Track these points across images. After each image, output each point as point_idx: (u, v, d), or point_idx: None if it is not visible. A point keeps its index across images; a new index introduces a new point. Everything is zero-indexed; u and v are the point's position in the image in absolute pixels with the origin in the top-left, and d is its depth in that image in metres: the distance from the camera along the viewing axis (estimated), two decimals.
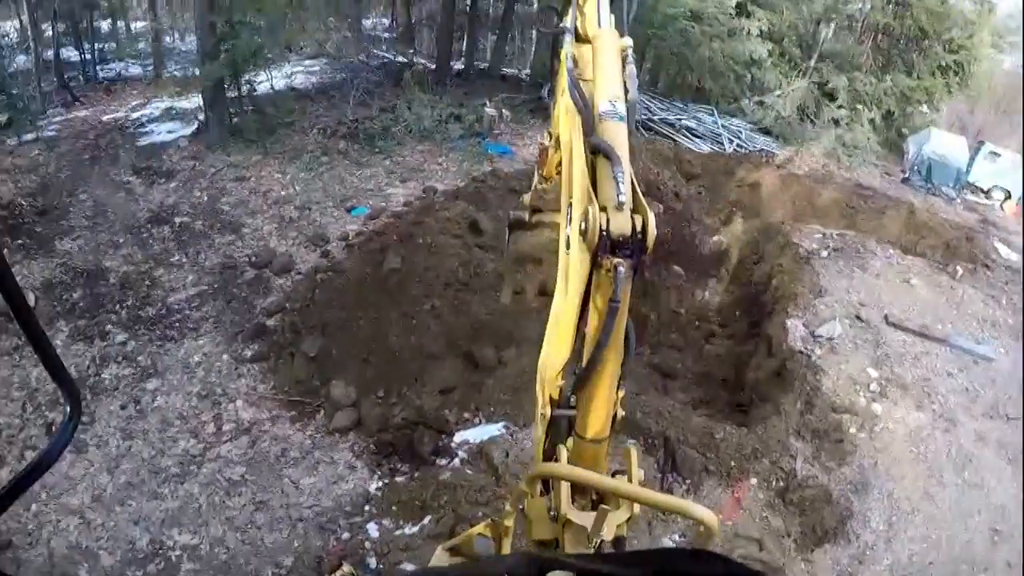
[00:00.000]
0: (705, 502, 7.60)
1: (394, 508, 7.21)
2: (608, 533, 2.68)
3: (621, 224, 2.22)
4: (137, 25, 24.23)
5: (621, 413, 2.99)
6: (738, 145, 19.45)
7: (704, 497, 7.69)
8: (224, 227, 11.47)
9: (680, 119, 19.89)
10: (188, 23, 20.63)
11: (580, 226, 2.28)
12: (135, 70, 20.61)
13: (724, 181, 15.79)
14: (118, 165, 13.16)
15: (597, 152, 2.48)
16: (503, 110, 17.75)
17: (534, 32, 24.63)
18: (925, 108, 24.12)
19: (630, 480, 2.90)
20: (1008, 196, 23.06)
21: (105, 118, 15.78)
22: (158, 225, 11.36)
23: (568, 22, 3.31)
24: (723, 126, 20.24)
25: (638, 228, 2.24)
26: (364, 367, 8.59)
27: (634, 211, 2.29)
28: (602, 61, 2.84)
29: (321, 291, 9.83)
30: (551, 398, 2.76)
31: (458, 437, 8.02)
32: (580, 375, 2.57)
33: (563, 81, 2.98)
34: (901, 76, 22.84)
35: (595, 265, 2.32)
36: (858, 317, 10.72)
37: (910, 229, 14.82)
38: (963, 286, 13.12)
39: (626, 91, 2.70)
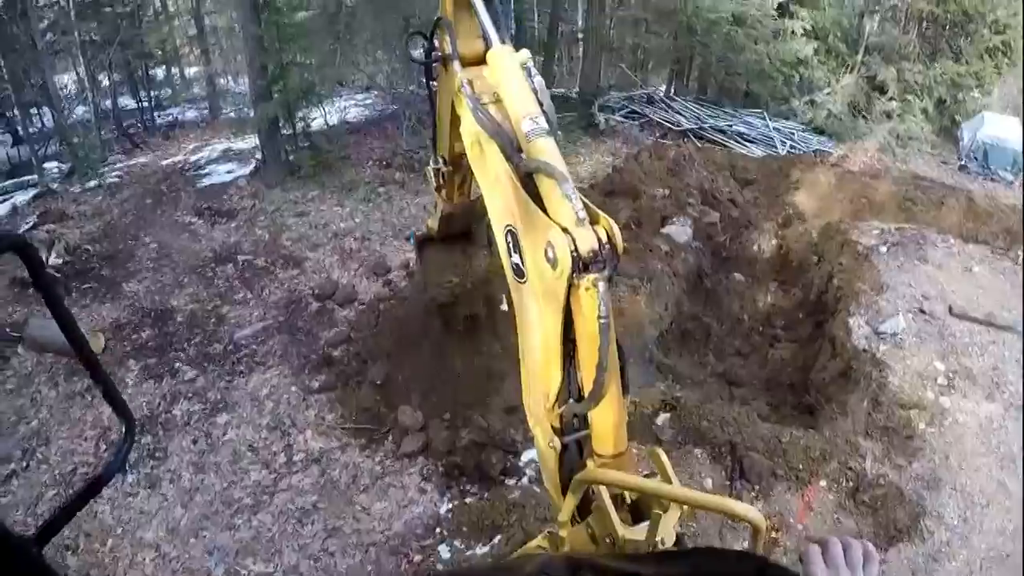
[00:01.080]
0: (775, 507, 7.48)
1: (464, 529, 7.20)
2: (668, 538, 2.63)
3: (588, 240, 2.20)
4: (191, 71, 24.84)
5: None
6: (791, 146, 19.06)
7: (774, 502, 7.53)
8: (286, 262, 11.65)
9: (731, 125, 19.58)
10: (240, 66, 20.98)
11: (547, 254, 2.22)
12: (191, 114, 21.09)
13: (780, 184, 15.49)
14: (180, 207, 13.50)
15: (534, 173, 2.43)
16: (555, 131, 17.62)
17: (580, 48, 24.65)
18: (977, 93, 23.17)
19: (668, 483, 2.87)
20: None
21: (165, 163, 16.24)
22: (222, 264, 11.60)
23: (448, 47, 3.16)
24: (775, 128, 19.86)
25: (603, 239, 2.24)
26: (430, 391, 8.56)
27: (592, 222, 2.29)
28: (507, 80, 2.72)
29: (384, 319, 9.92)
30: (554, 428, 2.71)
31: (525, 456, 7.94)
32: (591, 398, 2.43)
33: (463, 112, 2.87)
34: (949, 62, 22.08)
35: (571, 287, 2.26)
36: (921, 310, 10.39)
37: (969, 217, 14.31)
38: None
39: (541, 103, 2.61)
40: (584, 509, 2.81)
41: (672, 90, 22.73)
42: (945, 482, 8.06)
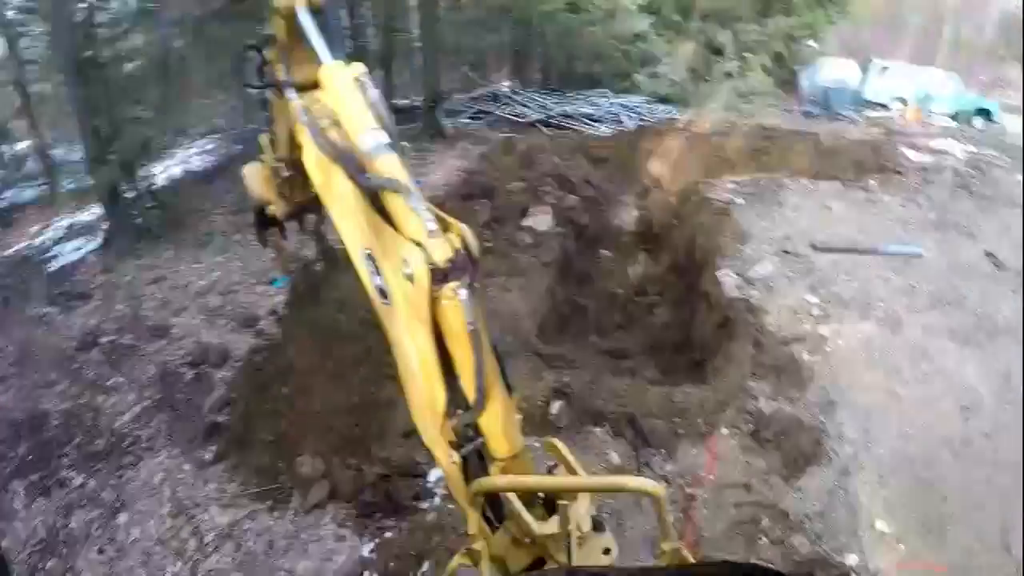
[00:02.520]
0: (684, 465, 8.12)
1: (391, 564, 7.31)
2: (584, 524, 2.93)
3: (443, 250, 2.30)
4: (20, 147, 23.49)
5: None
6: (639, 120, 20.26)
7: (682, 461, 8.15)
8: (152, 334, 11.42)
9: (578, 109, 20.65)
10: (72, 132, 20.27)
11: (404, 271, 2.34)
12: (29, 193, 20.22)
13: (632, 157, 16.43)
14: (31, 299, 12.99)
15: (379, 191, 2.50)
16: (402, 143, 17.99)
17: (419, 57, 25.13)
18: (811, 42, 25.30)
19: (570, 470, 3.21)
20: (905, 104, 24.49)
21: (7, 253, 15.63)
22: (86, 351, 11.23)
23: (282, 74, 3.24)
24: (621, 105, 21.08)
25: (459, 246, 2.36)
26: (324, 435, 8.60)
27: (445, 231, 2.41)
28: (343, 97, 2.72)
29: (264, 372, 9.89)
30: (451, 443, 2.78)
31: (432, 476, 8.11)
32: (476, 406, 2.62)
33: (304, 141, 2.88)
34: (781, 17, 23.94)
35: (434, 300, 2.38)
36: (786, 251, 11.42)
37: (819, 157, 15.73)
38: (879, 196, 14.07)
39: (380, 117, 2.66)
40: (501, 514, 3.05)
41: (516, 84, 23.58)
42: (838, 403, 8.94)
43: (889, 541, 7.85)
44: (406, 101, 23.00)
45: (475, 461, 2.88)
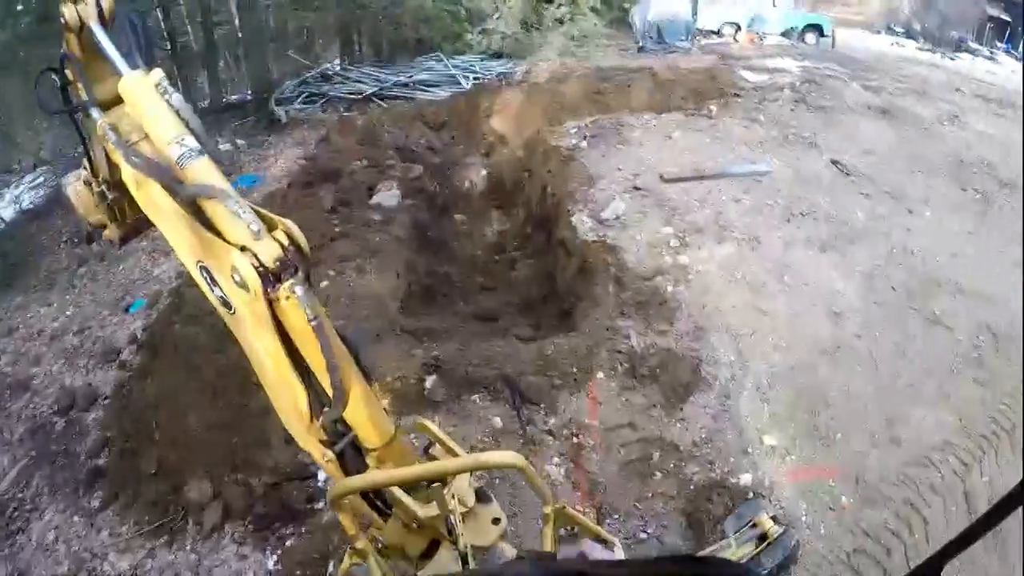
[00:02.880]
0: (564, 416, 8.05)
1: (299, 572, 7.18)
2: (468, 498, 3.05)
3: (270, 251, 2.28)
4: None
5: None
6: (475, 79, 20.10)
7: (564, 412, 8.09)
8: (14, 389, 10.81)
9: (412, 77, 20.33)
10: None
11: (234, 279, 2.31)
12: None
13: (473, 117, 16.34)
14: None
15: (197, 200, 2.43)
16: (237, 140, 17.57)
17: (240, 51, 24.30)
18: None
19: (444, 448, 3.32)
20: (738, 28, 25.24)
21: None
22: None
23: (84, 94, 3.03)
24: (455, 67, 20.85)
25: (286, 243, 2.33)
26: (206, 456, 8.40)
27: (271, 229, 2.36)
28: (145, 108, 2.65)
29: (134, 404, 9.52)
30: (323, 441, 2.84)
31: (322, 475, 7.92)
32: (336, 400, 2.60)
33: (117, 159, 2.76)
34: None
35: (272, 302, 2.38)
36: (635, 187, 11.47)
37: (658, 91, 15.97)
38: (721, 120, 14.34)
39: (186, 122, 2.58)
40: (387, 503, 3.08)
41: (347, 61, 23.07)
42: (708, 328, 9.05)
43: (779, 454, 8.01)
44: (236, 96, 22.36)
45: (351, 454, 2.91)
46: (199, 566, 7.68)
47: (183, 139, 2.49)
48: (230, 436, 8.49)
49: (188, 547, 7.88)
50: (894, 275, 10.49)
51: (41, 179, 19.02)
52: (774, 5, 26.51)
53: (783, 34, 25.82)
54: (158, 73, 2.68)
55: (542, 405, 8.21)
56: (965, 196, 13.10)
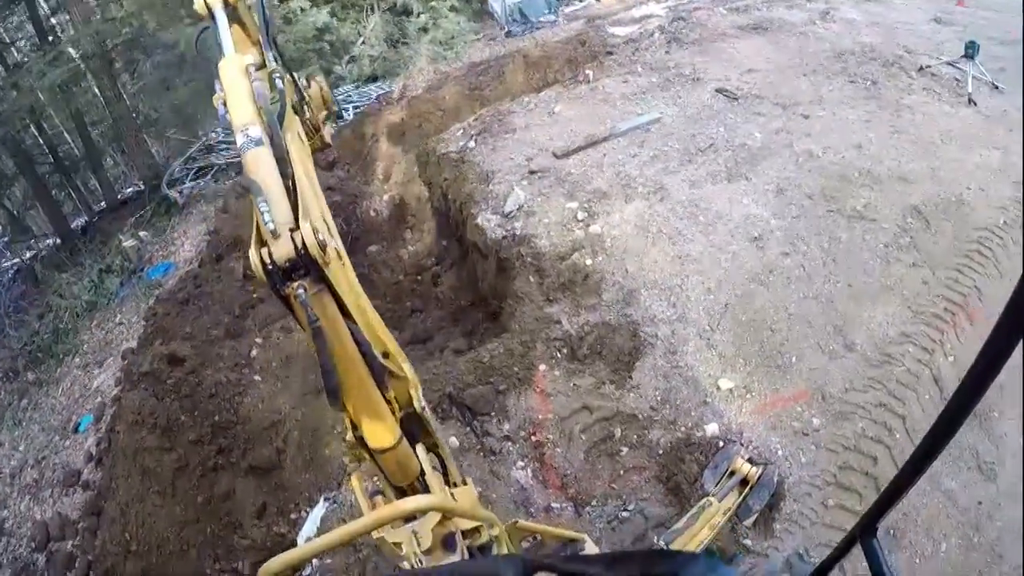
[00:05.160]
0: (517, 418, 7.96)
1: None
2: (426, 541, 2.89)
3: (280, 250, 2.28)
4: None
5: (420, 406, 3.43)
6: (355, 108, 19.87)
7: (514, 415, 8.01)
8: None
9: None
10: None
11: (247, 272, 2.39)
12: None
13: (362, 147, 16.10)
14: None
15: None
16: (141, 232, 17.15)
17: (121, 145, 23.89)
18: None
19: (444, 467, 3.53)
20: None
21: None
22: None
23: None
24: (335, 101, 20.59)
25: (299, 245, 2.28)
26: (186, 552, 8.45)
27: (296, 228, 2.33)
28: (229, 90, 2.71)
29: (106, 520, 9.40)
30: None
31: (300, 539, 7.92)
32: (330, 399, 2.67)
33: None
34: None
35: (285, 299, 2.42)
36: (531, 172, 11.32)
37: (531, 70, 15.87)
38: (599, 82, 14.24)
39: (259, 108, 2.61)
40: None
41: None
42: (637, 290, 8.96)
43: (739, 395, 7.95)
44: (130, 189, 21.93)
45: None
46: None
47: (248, 129, 2.50)
48: (203, 527, 8.53)
49: None
50: (805, 183, 10.49)
51: None
52: None
53: None
54: (250, 57, 2.79)
55: (492, 413, 8.08)
56: (855, 87, 13.18)
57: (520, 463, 7.58)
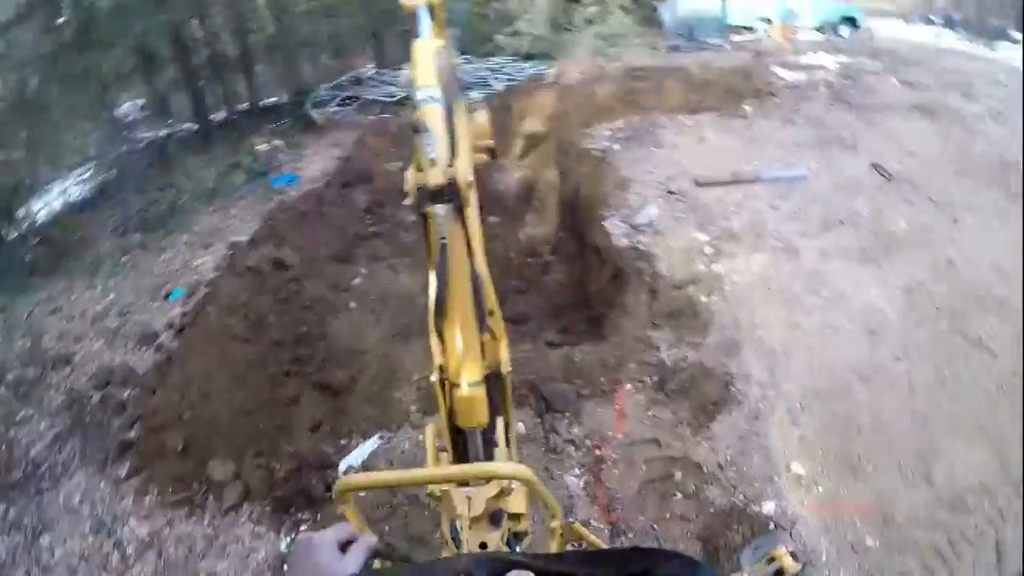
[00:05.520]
0: (588, 426, 7.89)
1: None
2: (476, 508, 3.01)
3: (436, 177, 2.67)
4: None
5: (507, 369, 3.69)
6: (508, 80, 19.94)
7: (588, 421, 7.93)
8: (56, 362, 11.11)
9: None
10: None
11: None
12: None
13: (505, 119, 16.12)
14: None
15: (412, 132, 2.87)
16: (275, 140, 17.67)
17: (275, 56, 24.55)
18: None
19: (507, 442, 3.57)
20: (770, 23, 24.82)
21: None
22: None
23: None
24: (486, 69, 20.71)
25: (450, 177, 2.70)
26: (233, 438, 8.61)
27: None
28: (418, 63, 3.10)
29: (168, 385, 9.67)
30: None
31: (342, 465, 8.08)
32: (437, 308, 3.00)
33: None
34: None
35: (425, 218, 2.95)
36: (669, 191, 11.23)
37: (691, 91, 15.67)
38: (756, 121, 14.04)
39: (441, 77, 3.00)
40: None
41: (379, 65, 23.08)
42: (742, 343, 8.78)
43: (805, 484, 7.68)
44: (273, 99, 22.47)
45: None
46: (215, 540, 7.85)
47: (430, 89, 2.90)
48: (256, 422, 8.69)
49: (206, 522, 8.07)
50: (936, 291, 10.10)
51: (87, 174, 19.43)
52: None
53: (817, 28, 25.36)
54: (438, 41, 3.28)
55: (567, 414, 8.06)
56: (1009, 202, 12.67)
57: (576, 470, 7.53)
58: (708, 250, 10.04)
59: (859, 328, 9.30)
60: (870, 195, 11.99)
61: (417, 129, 2.88)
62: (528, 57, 21.51)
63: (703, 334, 8.83)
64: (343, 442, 8.61)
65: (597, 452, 7.64)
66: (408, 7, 3.73)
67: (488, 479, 2.95)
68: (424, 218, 3.01)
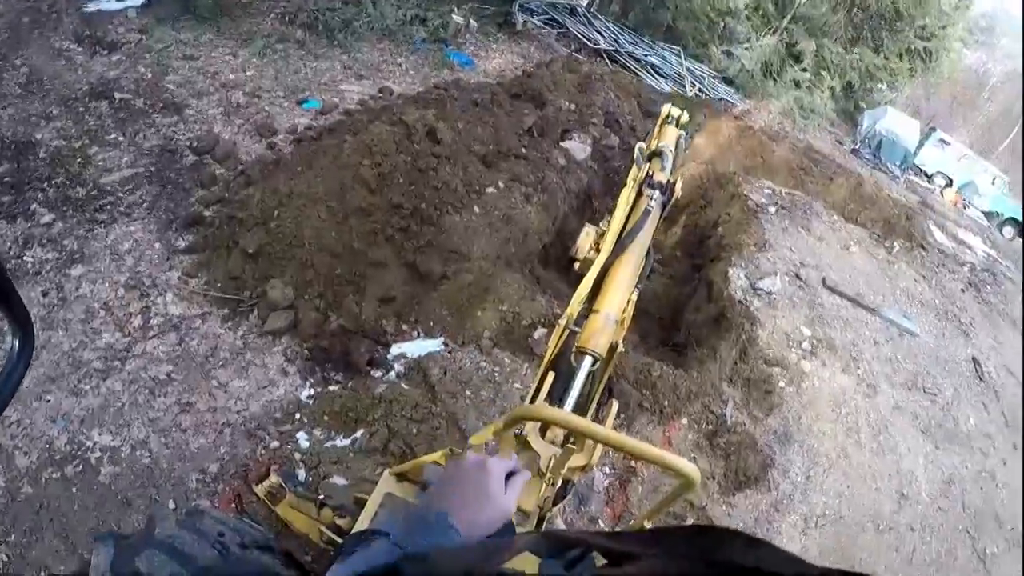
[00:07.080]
0: (636, 436, 8.07)
1: (326, 418, 7.10)
2: (554, 474, 2.96)
3: (661, 176, 4.72)
4: None
5: (622, 348, 3.88)
6: (699, 90, 19.99)
7: (636, 431, 8.14)
8: (167, 107, 10.93)
9: (647, 55, 20.25)
10: None
11: (641, 177, 4.88)
12: None
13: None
14: (60, 32, 12.21)
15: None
16: (471, 19, 17.71)
17: None
18: (884, 87, 25.24)
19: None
20: (949, 183, 24.70)
21: None
22: (96, 100, 10.65)
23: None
24: (688, 69, 20.73)
25: (666, 182, 4.75)
26: (304, 269, 8.30)
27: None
28: (663, 135, 6.00)
29: (266, 185, 9.39)
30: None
31: (395, 349, 7.96)
32: (609, 256, 3.99)
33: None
34: (868, 51, 23.79)
35: (640, 195, 4.66)
36: (797, 276, 11.40)
37: (854, 199, 15.73)
38: (898, 261, 14.09)
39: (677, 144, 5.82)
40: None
41: (595, 6, 23.06)
42: (795, 440, 9.01)
43: None
44: None
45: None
46: (241, 354, 7.70)
47: (665, 146, 5.52)
48: (334, 266, 8.45)
49: (240, 333, 7.92)
50: (972, 500, 10.27)
51: None
52: (992, 183, 25.80)
53: (986, 213, 25.20)
54: (680, 132, 6.11)
55: (623, 414, 8.24)
56: None
57: (607, 469, 7.77)
58: (806, 346, 10.25)
59: (894, 485, 9.52)
60: (958, 382, 12.10)
61: (658, 153, 5.28)
62: (728, 81, 21.53)
63: (767, 413, 9.08)
64: (405, 328, 8.55)
65: (632, 463, 7.92)
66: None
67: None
68: (641, 186, 4.70)
